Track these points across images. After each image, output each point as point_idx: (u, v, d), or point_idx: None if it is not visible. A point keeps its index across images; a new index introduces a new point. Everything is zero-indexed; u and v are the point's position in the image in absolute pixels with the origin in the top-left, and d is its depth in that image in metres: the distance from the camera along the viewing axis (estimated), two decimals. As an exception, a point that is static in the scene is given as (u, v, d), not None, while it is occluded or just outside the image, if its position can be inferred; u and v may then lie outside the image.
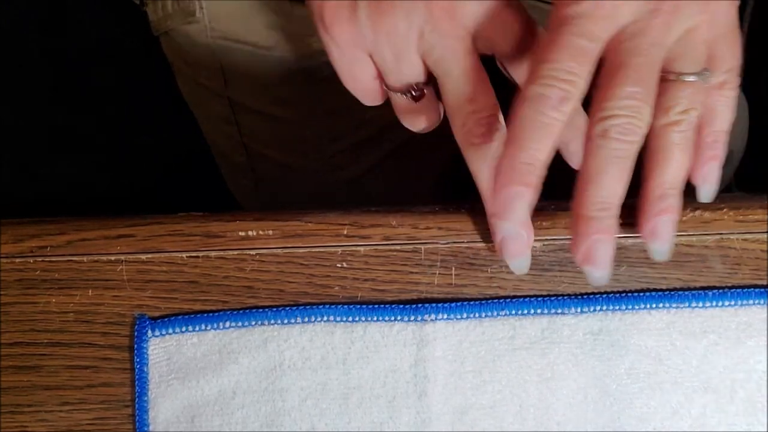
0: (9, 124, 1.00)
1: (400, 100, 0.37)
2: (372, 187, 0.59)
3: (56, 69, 1.01)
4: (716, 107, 0.34)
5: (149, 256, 0.36)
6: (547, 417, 0.36)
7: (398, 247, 0.36)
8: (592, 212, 0.31)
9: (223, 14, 0.55)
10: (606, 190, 0.31)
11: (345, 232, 0.36)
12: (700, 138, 0.34)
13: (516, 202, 0.31)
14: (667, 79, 0.32)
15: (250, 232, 0.36)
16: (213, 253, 0.36)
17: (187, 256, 0.36)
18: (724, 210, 0.36)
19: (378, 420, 0.36)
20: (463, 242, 0.36)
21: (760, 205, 0.36)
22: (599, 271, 0.32)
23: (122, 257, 0.36)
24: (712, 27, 0.33)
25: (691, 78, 0.32)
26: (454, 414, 0.36)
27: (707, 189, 0.35)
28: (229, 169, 0.66)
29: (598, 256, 0.32)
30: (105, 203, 0.99)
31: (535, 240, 0.36)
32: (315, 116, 0.57)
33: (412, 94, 0.37)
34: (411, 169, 0.59)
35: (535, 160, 0.31)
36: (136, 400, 0.36)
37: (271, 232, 0.36)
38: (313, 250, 0.36)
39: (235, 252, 0.36)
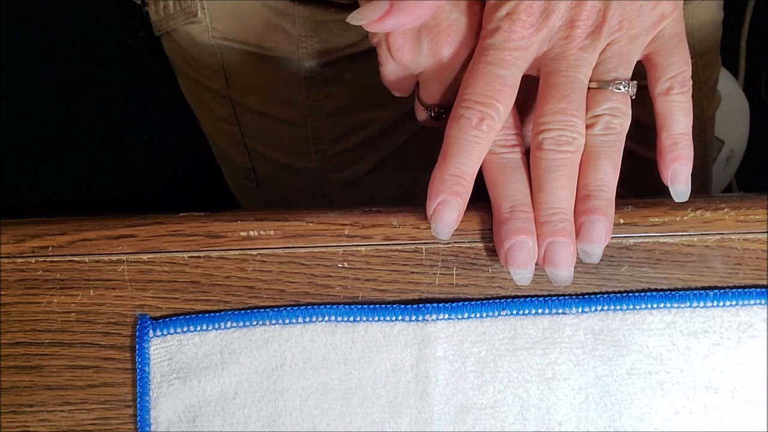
0: (9, 125, 1.00)
1: (422, 111, 0.41)
2: (373, 187, 0.59)
3: (56, 69, 1.01)
4: (667, 112, 0.36)
5: (150, 256, 0.36)
6: (549, 417, 0.36)
7: (399, 247, 0.36)
8: (543, 217, 0.34)
9: (224, 15, 0.55)
10: (552, 196, 0.35)
11: (346, 232, 0.36)
12: (660, 142, 0.36)
13: (445, 209, 0.34)
14: (589, 87, 0.35)
15: (251, 232, 0.36)
16: (214, 253, 0.36)
17: (188, 256, 0.36)
18: (725, 210, 0.36)
19: (379, 420, 0.36)
20: (464, 242, 0.36)
21: (761, 204, 0.36)
22: (561, 271, 0.35)
23: (123, 257, 0.36)
24: (633, 41, 0.35)
25: (606, 86, 0.35)
26: (456, 414, 0.36)
27: (675, 189, 0.36)
28: (230, 169, 0.66)
29: (556, 257, 0.34)
30: (106, 203, 0.99)
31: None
32: (316, 117, 0.57)
33: (433, 113, 0.41)
34: (412, 170, 0.59)
35: (461, 172, 0.34)
36: (138, 400, 0.36)
37: (272, 232, 0.36)
38: (315, 250, 0.36)
39: (237, 252, 0.36)
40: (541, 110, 0.35)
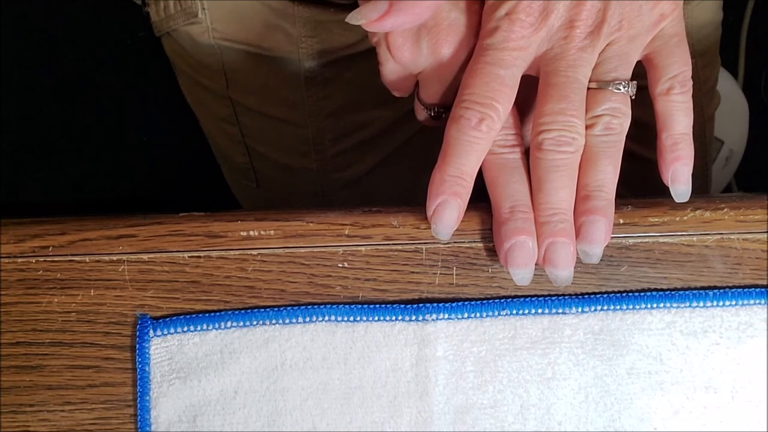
0: (9, 124, 1.00)
1: (422, 111, 0.41)
2: (373, 187, 0.59)
3: (57, 69, 1.02)
4: (667, 112, 0.36)
5: (151, 256, 0.36)
6: (548, 417, 0.36)
7: (399, 247, 0.36)
8: (543, 218, 0.34)
9: (224, 15, 0.55)
10: (551, 196, 0.35)
11: (346, 232, 0.36)
12: (660, 142, 0.36)
13: (445, 210, 0.34)
14: (589, 87, 0.35)
15: (251, 232, 0.36)
16: (214, 253, 0.36)
17: (188, 256, 0.36)
18: (725, 210, 0.36)
19: (379, 420, 0.36)
20: (464, 242, 0.36)
21: (761, 204, 0.36)
22: (561, 272, 0.35)
23: (124, 257, 0.36)
24: (632, 40, 0.35)
25: (606, 86, 0.35)
26: (455, 414, 0.36)
27: (676, 189, 0.36)
28: (230, 169, 0.66)
29: (556, 257, 0.34)
30: (106, 203, 0.99)
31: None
32: (316, 117, 0.57)
33: (433, 113, 0.40)
34: (412, 170, 0.59)
35: (461, 173, 0.34)
36: (138, 399, 0.36)
37: (272, 232, 0.36)
38: (315, 250, 0.36)
39: (237, 252, 0.36)
40: (540, 110, 0.35)
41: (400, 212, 0.36)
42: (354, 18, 0.35)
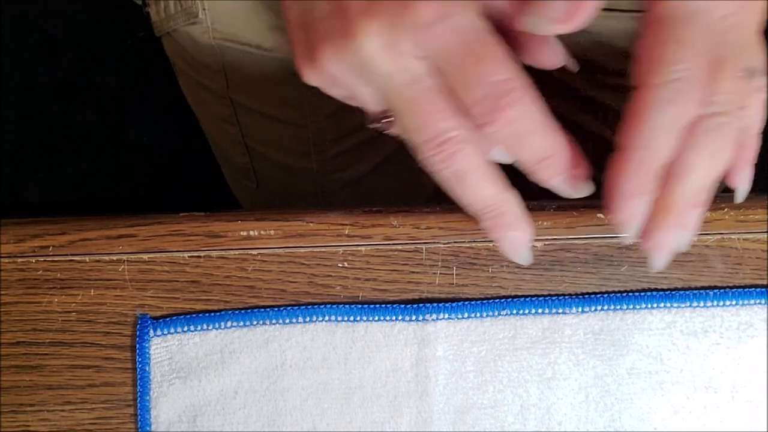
0: (9, 124, 1.00)
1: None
2: (373, 187, 0.59)
3: (57, 69, 1.01)
4: (755, 109, 0.33)
5: (151, 255, 0.36)
6: (548, 416, 0.36)
7: (399, 247, 0.36)
8: (679, 207, 0.32)
9: (225, 15, 0.55)
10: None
11: (346, 232, 0.36)
12: (743, 140, 0.33)
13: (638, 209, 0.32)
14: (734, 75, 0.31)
15: (251, 232, 0.36)
16: (214, 253, 0.36)
17: (188, 256, 0.36)
18: (725, 210, 0.36)
19: (379, 419, 0.36)
20: (464, 242, 0.36)
21: (761, 204, 0.36)
22: (665, 259, 0.33)
23: (124, 257, 0.36)
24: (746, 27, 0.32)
25: (744, 74, 0.32)
26: (455, 413, 0.36)
27: (745, 190, 0.35)
28: (230, 169, 0.66)
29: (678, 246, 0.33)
30: (106, 203, 0.99)
31: (536, 240, 0.36)
32: (316, 117, 0.57)
33: (378, 123, 0.37)
34: (412, 170, 0.59)
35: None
36: (138, 399, 0.36)
37: (272, 232, 0.36)
38: (315, 249, 0.36)
39: (237, 252, 0.36)
40: (716, 87, 0.31)
41: (400, 212, 0.36)
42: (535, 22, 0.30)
